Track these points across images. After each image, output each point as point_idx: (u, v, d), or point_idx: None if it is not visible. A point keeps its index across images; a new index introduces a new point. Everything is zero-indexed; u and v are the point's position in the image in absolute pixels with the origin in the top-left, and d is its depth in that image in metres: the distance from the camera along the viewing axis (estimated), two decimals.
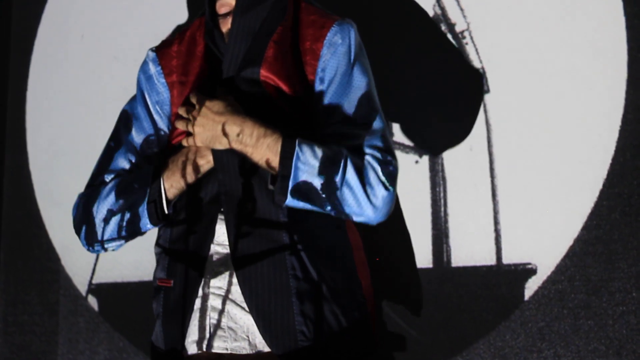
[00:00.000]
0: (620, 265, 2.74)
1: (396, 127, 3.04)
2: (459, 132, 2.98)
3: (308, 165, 2.25)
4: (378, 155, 2.31)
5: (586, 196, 2.79)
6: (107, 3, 3.69)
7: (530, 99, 2.89)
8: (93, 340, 3.48)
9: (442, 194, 2.98)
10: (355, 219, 2.32)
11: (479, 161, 2.94)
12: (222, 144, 2.30)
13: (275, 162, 2.26)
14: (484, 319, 2.87)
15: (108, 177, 2.50)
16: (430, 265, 2.96)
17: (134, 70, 3.54)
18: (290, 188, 2.25)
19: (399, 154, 2.95)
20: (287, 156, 2.24)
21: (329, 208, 2.29)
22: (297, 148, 2.25)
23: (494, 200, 2.90)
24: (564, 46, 2.87)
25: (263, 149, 2.26)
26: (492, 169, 2.92)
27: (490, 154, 2.93)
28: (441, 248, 2.95)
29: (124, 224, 2.41)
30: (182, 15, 3.48)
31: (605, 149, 2.79)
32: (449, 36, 3.04)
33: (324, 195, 2.26)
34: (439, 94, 3.03)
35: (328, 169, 2.25)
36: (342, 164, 2.26)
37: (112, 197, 2.43)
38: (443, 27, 3.05)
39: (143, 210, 2.37)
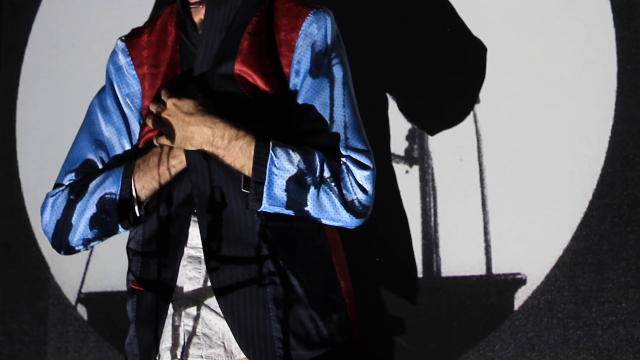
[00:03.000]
0: (609, 275, 2.74)
1: (386, 134, 3.05)
2: (449, 138, 2.98)
3: (283, 170, 2.19)
4: (355, 156, 2.27)
5: (576, 207, 2.80)
6: (98, 12, 3.68)
7: (521, 109, 2.90)
8: (82, 350, 3.47)
9: (432, 204, 2.98)
10: (333, 223, 2.28)
11: (469, 171, 2.94)
12: (192, 145, 2.23)
13: (248, 166, 2.20)
14: (474, 329, 2.87)
15: (78, 176, 2.43)
16: (420, 275, 2.96)
17: None
18: (264, 194, 2.20)
19: (389, 164, 2.96)
20: (260, 162, 2.19)
21: (305, 213, 2.24)
22: (271, 152, 2.19)
23: (484, 211, 2.90)
24: (554, 57, 2.88)
25: (235, 151, 2.20)
26: (482, 179, 2.92)
27: (481, 164, 2.94)
28: (431, 258, 2.95)
29: (96, 224, 2.34)
30: None
31: (595, 159, 2.79)
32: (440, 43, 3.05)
33: (299, 201, 2.21)
34: (430, 99, 3.03)
35: (304, 173, 2.20)
36: (318, 169, 2.21)
37: (82, 198, 2.36)
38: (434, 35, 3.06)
39: (114, 212, 2.32)
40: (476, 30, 3.00)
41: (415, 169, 3.01)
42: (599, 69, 2.83)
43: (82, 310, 3.51)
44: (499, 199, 2.89)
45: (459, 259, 2.92)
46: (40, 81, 3.77)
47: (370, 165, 2.27)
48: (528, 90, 2.90)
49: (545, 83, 2.88)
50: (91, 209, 2.34)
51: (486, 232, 2.89)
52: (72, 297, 3.54)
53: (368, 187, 2.26)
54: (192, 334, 2.27)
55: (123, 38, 2.54)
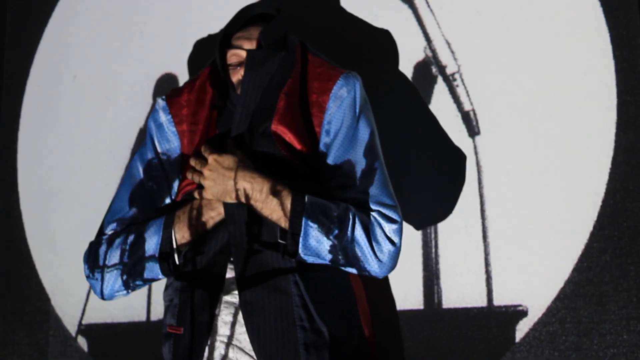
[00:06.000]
0: (611, 307, 2.74)
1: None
2: (449, 176, 2.99)
3: (317, 223, 2.31)
4: (384, 211, 2.38)
5: (577, 238, 2.80)
6: (99, 44, 3.70)
7: (521, 141, 2.91)
8: None
9: (432, 235, 2.98)
10: (362, 273, 2.39)
11: (470, 203, 2.94)
12: (232, 199, 2.35)
13: (285, 218, 2.32)
14: None
15: (119, 226, 2.55)
16: (421, 307, 2.95)
17: (125, 111, 3.56)
18: (300, 244, 2.31)
19: None
20: (296, 214, 2.31)
21: (337, 263, 2.36)
22: (306, 205, 2.32)
23: (484, 242, 2.90)
24: (554, 89, 2.89)
25: (273, 204, 2.32)
26: (482, 211, 2.93)
27: (481, 195, 2.94)
28: (432, 289, 2.95)
29: (136, 273, 2.45)
30: (172, 56, 3.49)
31: (595, 191, 2.80)
32: (440, 78, 3.05)
33: (332, 252, 2.33)
34: (429, 136, 3.04)
35: (337, 226, 2.32)
36: (350, 222, 2.33)
37: (122, 248, 2.47)
38: (434, 70, 3.07)
39: (154, 262, 2.42)
40: (476, 63, 3.02)
41: None
42: (598, 100, 2.84)
43: (82, 341, 3.50)
44: (500, 230, 2.89)
45: (460, 290, 2.92)
46: (41, 113, 3.78)
47: (398, 219, 2.40)
48: (528, 121, 2.91)
49: (545, 115, 2.89)
50: (132, 258, 2.45)
51: (487, 264, 2.89)
52: (72, 328, 3.53)
53: (396, 239, 2.38)
54: None
55: (164, 97, 2.66)
